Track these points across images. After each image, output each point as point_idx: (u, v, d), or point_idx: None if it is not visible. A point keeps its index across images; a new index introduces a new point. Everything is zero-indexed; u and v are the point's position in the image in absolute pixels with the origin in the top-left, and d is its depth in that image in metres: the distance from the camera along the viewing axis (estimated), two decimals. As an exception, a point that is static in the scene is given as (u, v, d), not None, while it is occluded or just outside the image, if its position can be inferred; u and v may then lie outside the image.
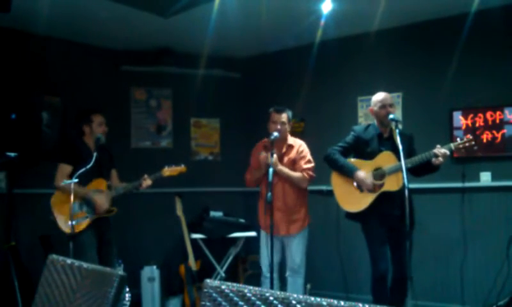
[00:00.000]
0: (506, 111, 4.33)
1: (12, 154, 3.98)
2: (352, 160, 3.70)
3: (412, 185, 3.18)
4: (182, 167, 4.17)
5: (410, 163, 3.39)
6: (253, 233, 5.10)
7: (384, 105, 3.60)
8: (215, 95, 5.80)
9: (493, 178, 4.40)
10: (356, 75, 5.11)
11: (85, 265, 1.77)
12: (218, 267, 5.26)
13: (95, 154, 3.70)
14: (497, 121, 4.37)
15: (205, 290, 1.42)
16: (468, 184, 4.45)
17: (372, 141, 3.64)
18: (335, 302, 1.18)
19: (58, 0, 4.07)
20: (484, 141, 4.39)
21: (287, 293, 1.27)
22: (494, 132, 4.38)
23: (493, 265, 4.26)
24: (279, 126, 3.84)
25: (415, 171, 3.54)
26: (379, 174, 3.54)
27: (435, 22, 4.66)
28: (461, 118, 4.53)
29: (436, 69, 4.66)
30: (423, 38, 4.77)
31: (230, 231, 5.22)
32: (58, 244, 4.10)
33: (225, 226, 5.23)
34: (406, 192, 3.12)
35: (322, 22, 4.67)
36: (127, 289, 4.41)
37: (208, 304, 1.39)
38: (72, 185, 3.50)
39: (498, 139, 4.36)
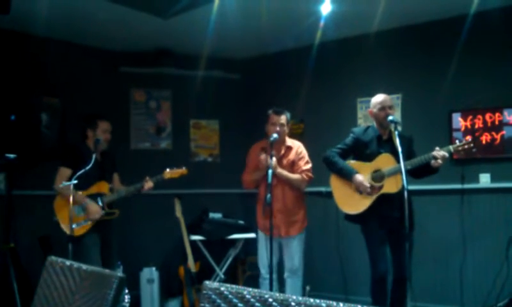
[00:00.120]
0: (505, 113, 4.33)
1: (11, 155, 3.98)
2: (352, 162, 3.70)
3: (411, 187, 3.18)
4: (183, 170, 4.19)
5: (409, 165, 3.39)
6: (252, 235, 5.09)
7: (383, 107, 3.60)
8: (214, 96, 5.80)
9: (493, 180, 4.41)
10: (356, 76, 5.12)
11: (84, 266, 1.76)
12: (217, 269, 5.26)
13: (94, 155, 3.71)
14: (496, 122, 4.37)
15: (204, 292, 1.42)
16: (467, 186, 4.45)
17: (371, 142, 3.64)
18: (334, 303, 1.18)
19: (57, 2, 4.07)
20: (484, 142, 4.40)
21: (286, 295, 1.27)
22: (493, 133, 4.38)
23: (492, 266, 4.26)
24: (278, 128, 3.84)
25: (414, 173, 3.54)
26: (378, 176, 3.54)
27: (434, 24, 4.67)
28: (460, 119, 4.53)
29: (436, 70, 4.67)
30: (422, 39, 4.78)
31: (229, 233, 5.22)
32: (57, 246, 4.10)
33: (224, 228, 5.23)
34: (406, 194, 3.12)
35: (322, 23, 4.67)
36: (126, 290, 4.43)
37: (207, 305, 1.39)
38: (71, 187, 3.52)
39: (498, 141, 4.36)
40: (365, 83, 4.98)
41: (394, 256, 3.60)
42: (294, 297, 1.25)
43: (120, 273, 1.65)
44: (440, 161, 3.34)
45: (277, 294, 1.28)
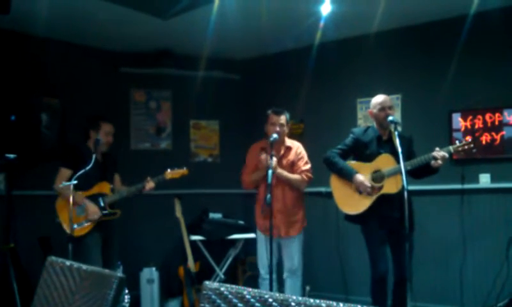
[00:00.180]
0: (505, 113, 4.33)
1: (11, 156, 3.99)
2: (352, 162, 3.70)
3: (411, 187, 3.18)
4: (184, 170, 4.20)
5: (409, 165, 3.39)
6: (252, 235, 5.09)
7: (383, 108, 3.60)
8: (214, 97, 5.81)
9: (492, 180, 4.41)
10: (356, 77, 5.12)
11: (84, 266, 1.76)
12: (217, 269, 5.26)
13: (94, 156, 3.71)
14: (496, 122, 4.37)
15: (204, 292, 1.42)
16: (467, 186, 4.45)
17: (371, 143, 3.64)
18: (334, 303, 1.18)
19: (57, 2, 4.07)
20: (483, 142, 4.40)
21: (286, 295, 1.27)
22: (493, 133, 4.38)
23: (492, 266, 4.26)
24: (278, 128, 3.84)
25: (414, 174, 3.54)
26: (378, 176, 3.54)
27: (434, 24, 4.67)
28: (460, 119, 4.53)
29: (435, 71, 4.67)
30: (422, 39, 4.78)
31: (229, 233, 5.22)
32: (57, 246, 4.10)
33: (224, 228, 5.23)
34: (405, 194, 3.12)
35: (322, 23, 4.67)
36: (126, 291, 4.43)
37: (207, 306, 1.39)
38: (71, 187, 3.52)
39: (498, 141, 4.36)
40: (365, 83, 4.98)
41: (394, 257, 3.60)
42: (294, 297, 1.25)
43: (119, 273, 1.65)
44: (439, 161, 3.34)
45: (277, 294, 1.29)
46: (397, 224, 3.37)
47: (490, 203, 4.39)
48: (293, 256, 3.96)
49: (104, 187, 4.02)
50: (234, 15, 4.37)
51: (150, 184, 4.05)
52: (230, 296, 1.36)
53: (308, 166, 3.98)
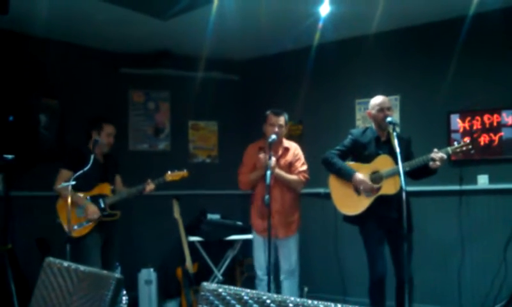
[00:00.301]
0: (504, 114, 4.34)
1: (9, 156, 3.98)
2: (350, 163, 3.70)
3: (409, 188, 3.18)
4: (184, 172, 4.22)
5: (408, 166, 3.39)
6: (250, 236, 5.06)
7: (382, 109, 3.60)
8: (213, 98, 5.80)
9: (491, 181, 4.41)
10: (354, 77, 5.12)
11: (82, 267, 1.76)
12: (215, 270, 5.25)
13: (92, 156, 3.72)
14: (494, 124, 4.37)
15: (202, 293, 1.42)
16: (465, 187, 4.46)
17: (370, 144, 3.64)
18: (332, 305, 1.18)
19: (56, 3, 4.07)
20: (482, 143, 4.40)
21: (284, 296, 1.27)
22: (491, 134, 4.38)
23: (491, 267, 4.27)
24: (276, 129, 3.85)
25: (413, 175, 3.54)
26: (376, 177, 3.54)
27: (433, 25, 4.67)
28: (458, 120, 4.53)
29: (434, 72, 4.67)
30: (421, 40, 4.78)
31: (227, 234, 5.22)
32: (55, 247, 4.10)
33: (222, 229, 5.23)
34: (404, 195, 3.12)
35: (320, 24, 4.67)
36: (124, 292, 4.42)
37: (205, 307, 1.39)
38: (70, 188, 3.53)
39: (496, 142, 4.37)
40: (363, 84, 4.99)
41: (394, 256, 3.59)
42: (292, 299, 1.25)
43: (117, 274, 1.65)
44: (438, 163, 3.34)
45: (275, 295, 1.28)
46: (395, 224, 3.37)
47: (488, 204, 4.40)
48: (290, 256, 3.97)
49: (105, 188, 4.04)
50: (233, 16, 4.38)
51: (150, 186, 4.08)
52: (228, 297, 1.36)
53: (305, 167, 3.99)
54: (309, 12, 4.40)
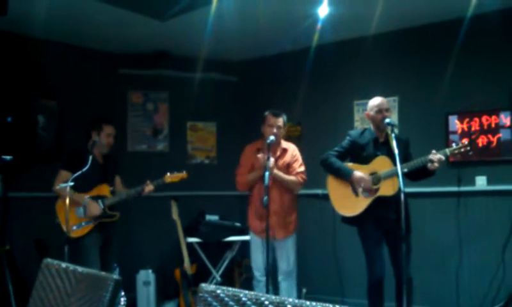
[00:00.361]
0: (502, 115, 4.35)
1: (7, 157, 3.97)
2: (349, 164, 3.70)
3: (407, 189, 3.18)
4: (183, 174, 4.23)
5: (406, 168, 3.39)
6: (248, 237, 5.08)
7: (380, 110, 3.61)
8: (212, 99, 5.80)
9: (489, 182, 4.42)
10: (353, 79, 5.12)
11: (80, 269, 1.76)
12: (214, 271, 5.25)
13: (90, 158, 3.72)
14: (493, 125, 4.38)
15: (201, 294, 1.42)
16: (463, 188, 4.46)
17: (368, 145, 3.65)
18: (331, 306, 1.18)
19: (55, 3, 4.07)
20: (480, 145, 4.41)
21: (283, 298, 1.27)
22: (489, 136, 4.39)
23: (489, 269, 4.27)
24: (275, 130, 3.85)
25: (411, 176, 3.55)
26: (374, 178, 3.54)
27: (431, 26, 4.68)
28: (456, 122, 4.54)
29: (432, 73, 4.68)
30: (419, 42, 4.79)
31: (225, 235, 5.21)
32: (53, 248, 4.09)
33: (221, 230, 5.22)
34: (402, 196, 3.12)
35: (319, 25, 4.68)
36: (123, 293, 4.41)
37: (203, 308, 1.39)
38: (68, 189, 3.53)
39: (494, 144, 4.38)
40: (362, 85, 4.99)
41: (392, 257, 3.59)
42: (290, 300, 1.25)
43: (116, 275, 1.65)
44: (436, 164, 3.34)
45: (273, 297, 1.28)
46: (394, 225, 3.37)
47: (486, 206, 4.40)
48: (288, 256, 3.98)
49: (104, 189, 4.05)
50: (232, 17, 4.38)
51: (149, 187, 4.09)
52: (226, 298, 1.36)
53: (303, 168, 4.00)
54: (308, 13, 4.41)
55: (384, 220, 3.52)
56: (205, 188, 5.66)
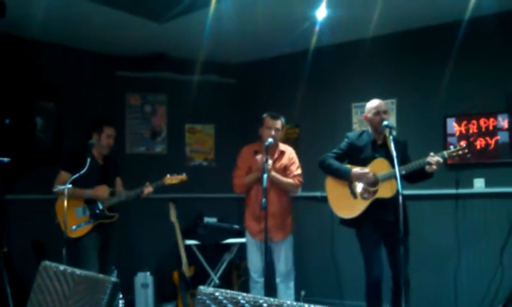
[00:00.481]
0: (499, 118, 4.35)
1: (5, 159, 3.97)
2: (347, 166, 3.71)
3: (406, 191, 3.19)
4: (183, 176, 4.23)
5: (404, 170, 3.39)
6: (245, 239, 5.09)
7: (378, 112, 3.61)
8: (210, 101, 5.80)
9: (487, 185, 4.42)
10: (351, 81, 5.13)
11: (78, 271, 1.76)
12: (212, 273, 5.24)
13: (88, 159, 3.72)
14: (491, 127, 4.39)
15: (199, 297, 1.41)
16: (461, 190, 4.46)
17: (366, 147, 3.65)
18: (329, 309, 1.18)
19: (53, 6, 4.06)
20: (478, 147, 4.41)
21: (281, 300, 1.27)
22: (487, 138, 4.40)
23: (487, 271, 4.27)
24: (273, 132, 3.86)
25: (409, 178, 3.55)
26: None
27: (429, 29, 4.69)
28: (454, 124, 4.55)
29: (430, 75, 4.69)
30: (417, 44, 4.80)
31: (224, 237, 5.21)
32: (51, 250, 4.08)
33: (219, 232, 5.22)
34: (400, 198, 3.12)
35: (317, 28, 4.68)
36: (121, 295, 4.42)
37: (201, 310, 1.39)
38: (66, 191, 3.53)
39: (492, 146, 4.38)
40: (360, 88, 5.00)
41: (390, 259, 3.60)
42: (289, 302, 1.25)
43: (114, 278, 1.64)
44: (434, 166, 3.35)
45: (272, 299, 1.28)
46: (392, 227, 3.38)
47: (484, 208, 4.40)
48: (287, 257, 4.00)
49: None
50: (230, 19, 4.38)
51: (148, 189, 4.09)
52: (224, 301, 1.35)
53: (300, 171, 4.03)
54: (306, 16, 4.41)
55: (382, 222, 3.52)
56: (204, 190, 5.66)
